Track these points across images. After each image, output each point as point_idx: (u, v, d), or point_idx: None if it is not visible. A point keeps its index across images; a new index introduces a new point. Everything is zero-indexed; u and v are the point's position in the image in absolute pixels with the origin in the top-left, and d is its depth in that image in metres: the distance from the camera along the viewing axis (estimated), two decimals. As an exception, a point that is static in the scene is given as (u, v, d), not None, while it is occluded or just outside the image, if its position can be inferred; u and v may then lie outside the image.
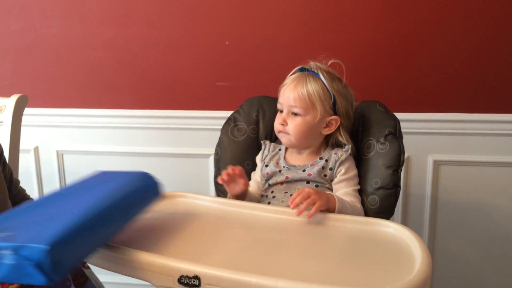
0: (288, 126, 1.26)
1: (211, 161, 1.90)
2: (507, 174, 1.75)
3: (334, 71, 1.31)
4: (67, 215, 0.80)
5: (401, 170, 1.24)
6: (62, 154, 2.01)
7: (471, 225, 1.80)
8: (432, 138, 1.76)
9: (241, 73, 1.82)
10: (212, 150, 1.88)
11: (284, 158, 1.32)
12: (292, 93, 1.25)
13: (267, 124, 1.39)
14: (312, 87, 1.23)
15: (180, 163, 1.94)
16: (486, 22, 1.65)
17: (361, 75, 1.73)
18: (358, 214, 1.17)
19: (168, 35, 1.83)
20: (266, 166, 1.33)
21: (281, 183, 1.27)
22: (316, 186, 1.24)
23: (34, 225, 0.78)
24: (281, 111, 1.29)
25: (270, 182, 1.30)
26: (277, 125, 1.29)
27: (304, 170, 1.26)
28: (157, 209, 1.20)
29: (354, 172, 1.26)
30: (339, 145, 1.30)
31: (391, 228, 1.08)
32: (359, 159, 1.28)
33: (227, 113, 1.82)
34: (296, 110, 1.24)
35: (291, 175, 1.27)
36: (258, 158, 1.38)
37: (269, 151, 1.36)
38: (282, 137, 1.29)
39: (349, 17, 1.72)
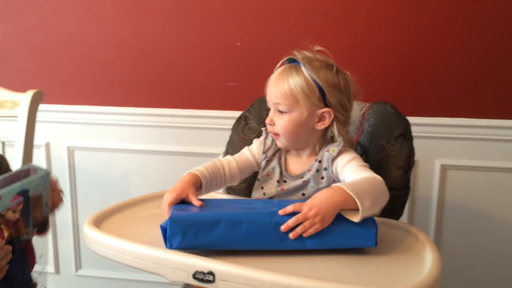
0: (275, 125, 1.16)
1: (220, 160, 1.90)
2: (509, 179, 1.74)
3: (326, 58, 1.18)
4: (214, 211, 0.98)
5: (411, 171, 1.23)
6: (73, 150, 2.01)
7: (477, 230, 1.79)
8: (439, 143, 1.75)
9: (252, 74, 1.82)
10: (222, 149, 1.89)
11: (285, 162, 1.23)
12: (274, 89, 1.15)
13: (278, 123, 1.37)
14: (294, 81, 1.12)
15: (190, 161, 1.92)
16: (496, 29, 1.65)
17: (370, 78, 1.73)
18: (380, 187, 1.02)
19: (181, 36, 1.83)
20: (268, 161, 1.23)
21: (274, 197, 1.21)
22: (312, 186, 1.17)
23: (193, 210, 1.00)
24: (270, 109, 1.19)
25: (265, 191, 1.22)
26: (268, 126, 1.20)
27: (302, 178, 1.18)
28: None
29: (353, 155, 1.14)
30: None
31: (401, 229, 1.08)
32: (369, 160, 1.27)
33: (237, 113, 1.83)
34: (281, 108, 1.14)
35: (286, 186, 1.19)
36: (256, 142, 1.28)
37: (272, 143, 1.24)
38: (276, 140, 1.21)
39: (361, 20, 1.71)
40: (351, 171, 1.09)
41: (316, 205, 0.94)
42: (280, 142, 1.20)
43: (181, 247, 0.91)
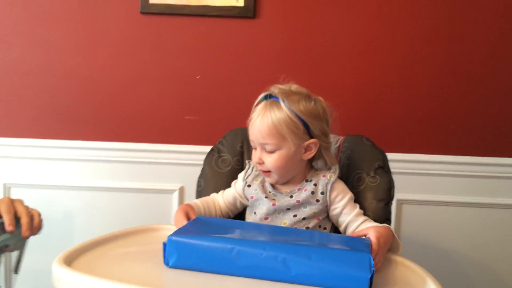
0: (265, 163, 1.14)
1: (175, 197, 1.80)
2: (466, 213, 1.79)
3: (300, 88, 1.18)
4: (216, 237, 0.94)
5: (391, 203, 1.22)
6: (9, 188, 1.81)
7: (431, 262, 1.80)
8: (395, 178, 1.76)
9: (212, 107, 1.76)
10: (177, 185, 1.79)
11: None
12: (259, 129, 1.13)
13: (252, 156, 1.32)
14: (277, 118, 1.11)
15: (142, 199, 1.81)
16: (446, 74, 1.73)
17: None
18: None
19: (137, 66, 1.75)
20: (249, 186, 1.22)
21: (266, 217, 1.17)
22: (304, 206, 1.15)
23: (202, 229, 1.00)
24: (255, 148, 1.17)
25: (256, 211, 1.19)
26: (255, 164, 1.19)
27: (291, 196, 1.16)
28: (144, 242, 1.11)
29: (350, 193, 1.18)
30: (324, 163, 1.21)
31: (397, 263, 1.05)
32: (349, 192, 1.24)
33: (195, 148, 1.76)
34: (268, 147, 1.13)
35: (278, 202, 1.16)
36: (240, 176, 1.26)
37: (252, 170, 1.24)
38: (266, 177, 1.19)
39: (323, 57, 1.73)
40: (355, 215, 1.15)
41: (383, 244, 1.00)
42: (272, 179, 1.19)
43: (176, 266, 0.93)
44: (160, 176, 1.80)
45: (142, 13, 1.71)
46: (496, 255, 1.80)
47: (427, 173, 1.77)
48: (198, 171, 1.73)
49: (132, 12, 1.72)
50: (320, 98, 1.20)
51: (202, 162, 1.68)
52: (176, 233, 0.95)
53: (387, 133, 1.76)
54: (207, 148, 1.70)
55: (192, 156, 1.77)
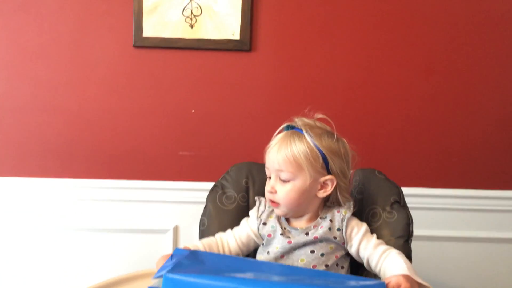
0: (277, 194, 1.06)
1: (168, 237, 1.66)
2: (468, 248, 1.70)
3: (324, 125, 1.12)
4: (216, 273, 0.83)
5: (411, 240, 1.11)
6: (-9, 229, 1.65)
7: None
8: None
9: (206, 142, 1.65)
10: (171, 225, 1.66)
11: (286, 218, 1.12)
12: (276, 156, 1.06)
13: (258, 191, 1.20)
14: (297, 147, 1.04)
15: (133, 239, 1.67)
16: (446, 107, 1.66)
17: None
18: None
19: (129, 101, 1.63)
20: (264, 224, 1.11)
21: (281, 255, 1.06)
22: (321, 241, 1.05)
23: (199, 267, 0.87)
24: (270, 178, 1.10)
25: (270, 249, 1.08)
26: (266, 194, 1.10)
27: (307, 233, 1.07)
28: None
29: (364, 224, 1.09)
30: (338, 204, 1.12)
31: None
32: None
33: (189, 184, 1.64)
34: (283, 175, 1.05)
35: (293, 239, 1.06)
36: (253, 213, 1.15)
37: (265, 207, 1.14)
38: (274, 208, 1.10)
39: (320, 90, 1.65)
40: (373, 246, 1.05)
41: None
42: (280, 210, 1.09)
43: None
44: (152, 214, 1.66)
45: (136, 46, 1.61)
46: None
47: (428, 207, 1.67)
48: (193, 209, 1.61)
49: (125, 46, 1.61)
50: (344, 140, 1.12)
51: (197, 200, 1.56)
52: (173, 270, 0.83)
53: (386, 166, 1.65)
54: (203, 185, 1.60)
55: (187, 193, 1.64)
